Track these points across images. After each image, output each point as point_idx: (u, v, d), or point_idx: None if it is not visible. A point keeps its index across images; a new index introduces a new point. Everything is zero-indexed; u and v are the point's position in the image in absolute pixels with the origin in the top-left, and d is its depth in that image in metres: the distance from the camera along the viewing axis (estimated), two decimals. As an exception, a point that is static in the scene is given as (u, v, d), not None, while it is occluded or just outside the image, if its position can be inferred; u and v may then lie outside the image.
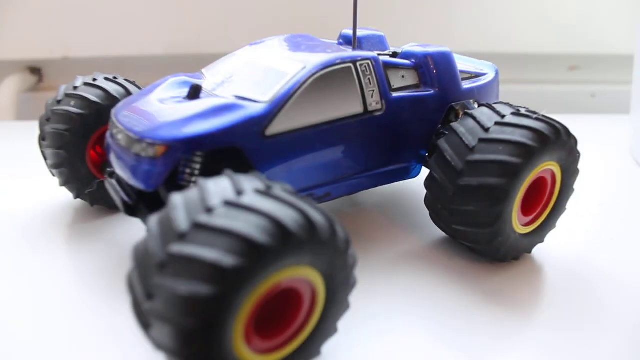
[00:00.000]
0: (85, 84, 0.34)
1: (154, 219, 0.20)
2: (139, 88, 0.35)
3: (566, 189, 0.31)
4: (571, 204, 0.33)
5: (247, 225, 0.18)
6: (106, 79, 0.35)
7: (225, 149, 0.25)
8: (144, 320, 0.19)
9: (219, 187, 0.20)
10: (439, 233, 0.34)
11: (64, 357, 0.24)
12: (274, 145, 0.26)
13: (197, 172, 0.25)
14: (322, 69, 0.27)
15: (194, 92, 0.27)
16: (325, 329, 0.22)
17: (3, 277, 0.30)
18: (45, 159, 0.35)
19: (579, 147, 0.31)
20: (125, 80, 0.35)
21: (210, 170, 0.26)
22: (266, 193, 0.19)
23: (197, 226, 0.18)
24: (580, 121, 0.59)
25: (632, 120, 0.49)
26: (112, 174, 0.30)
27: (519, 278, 0.31)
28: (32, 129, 0.53)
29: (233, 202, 0.19)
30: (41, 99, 0.65)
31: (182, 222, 0.18)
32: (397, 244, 0.33)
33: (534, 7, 0.64)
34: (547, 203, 0.31)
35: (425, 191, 0.31)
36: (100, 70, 0.68)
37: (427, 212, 0.32)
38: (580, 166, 0.31)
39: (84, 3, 0.60)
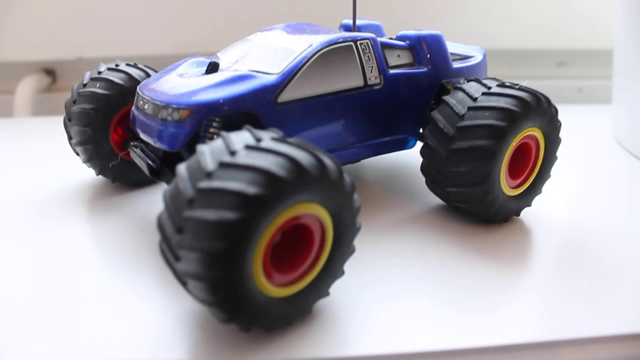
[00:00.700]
0: (109, 68, 0.37)
1: (182, 165, 0.23)
2: (155, 71, 0.38)
3: (549, 156, 0.34)
4: (560, 176, 0.35)
5: (267, 162, 0.21)
6: (127, 64, 0.38)
7: (242, 114, 0.28)
8: (173, 254, 0.22)
9: (240, 137, 0.23)
10: (434, 201, 0.37)
11: (90, 324, 0.26)
12: (284, 112, 0.29)
13: (216, 136, 0.28)
14: (326, 46, 0.30)
15: (212, 69, 0.30)
16: (333, 269, 0.25)
17: (33, 249, 0.32)
18: (70, 138, 0.38)
19: (566, 131, 0.33)
20: (145, 65, 0.39)
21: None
22: (282, 140, 0.22)
23: (223, 165, 0.21)
24: (568, 111, 0.62)
25: (614, 107, 0.53)
26: (136, 146, 0.33)
27: (510, 237, 0.33)
28: (48, 124, 0.57)
29: (254, 145, 0.22)
30: (55, 99, 0.68)
31: (209, 163, 0.21)
32: (398, 211, 0.36)
33: (523, 4, 0.67)
34: (532, 168, 0.34)
35: (419, 161, 0.34)
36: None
37: (422, 184, 0.35)
38: (566, 145, 0.34)
39: (97, 6, 0.63)
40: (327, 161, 0.22)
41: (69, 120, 0.37)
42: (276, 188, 0.20)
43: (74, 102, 0.37)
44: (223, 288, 0.21)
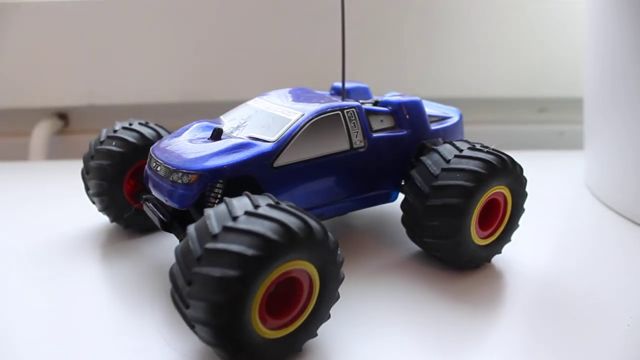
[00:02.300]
0: (124, 127, 0.42)
1: (191, 226, 0.27)
2: (167, 131, 0.42)
3: (517, 208, 0.38)
4: (529, 223, 0.39)
5: (263, 228, 0.25)
6: (140, 123, 0.43)
7: (242, 177, 0.32)
8: (184, 302, 0.26)
9: (240, 203, 0.27)
10: (413, 248, 0.40)
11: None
12: (280, 175, 0.33)
13: (219, 195, 0.33)
14: (316, 116, 0.35)
15: (217, 134, 0.34)
16: (320, 313, 0.29)
17: (47, 290, 0.35)
18: (88, 188, 0.42)
19: (541, 178, 0.37)
20: (156, 124, 0.43)
21: (229, 193, 0.33)
22: (275, 206, 0.27)
23: (226, 229, 0.25)
24: (545, 157, 0.67)
25: (585, 155, 0.57)
26: (148, 200, 0.37)
27: (482, 282, 0.37)
28: (62, 167, 0.61)
29: (252, 212, 0.26)
30: (67, 142, 0.73)
31: (214, 226, 0.26)
32: (381, 257, 0.40)
33: (505, 55, 0.72)
34: (501, 220, 0.38)
35: (401, 214, 0.38)
36: (122, 116, 0.76)
37: (403, 233, 0.39)
38: (540, 192, 0.38)
39: (108, 58, 0.68)
40: (314, 224, 0.26)
41: (87, 173, 0.41)
42: (270, 250, 0.24)
43: (92, 157, 0.41)
44: (226, 333, 0.25)
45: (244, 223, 0.25)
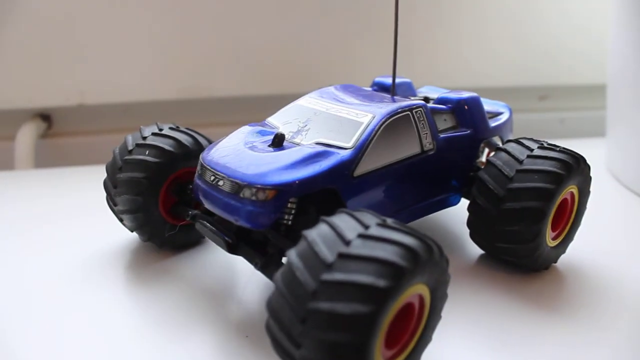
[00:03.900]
0: (154, 134, 0.37)
1: (292, 253, 0.23)
2: (201, 135, 0.38)
3: (582, 207, 0.37)
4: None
5: (387, 253, 0.22)
6: (171, 128, 0.38)
7: (322, 190, 0.29)
8: (293, 342, 0.22)
9: (346, 223, 0.24)
10: (473, 251, 0.39)
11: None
12: (359, 184, 0.30)
13: (293, 211, 0.29)
14: (389, 117, 0.32)
15: (279, 141, 0.31)
16: (427, 337, 0.26)
17: (78, 319, 0.32)
18: (115, 204, 0.37)
19: None
20: (188, 128, 0.39)
21: (304, 207, 0.30)
22: (386, 225, 0.24)
23: (342, 256, 0.22)
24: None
25: (608, 141, 0.57)
26: (197, 216, 0.33)
27: (552, 284, 0.36)
28: (52, 177, 0.55)
29: (366, 234, 0.23)
30: (52, 145, 0.66)
31: (327, 254, 0.22)
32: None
33: (506, 45, 0.72)
34: (568, 220, 0.37)
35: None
36: (110, 116, 0.70)
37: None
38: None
39: (98, 53, 0.62)
40: (431, 243, 0.24)
41: (114, 187, 0.37)
42: (400, 278, 0.22)
43: (120, 168, 0.36)
44: (348, 374, 0.22)
45: (361, 248, 0.22)
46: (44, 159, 0.64)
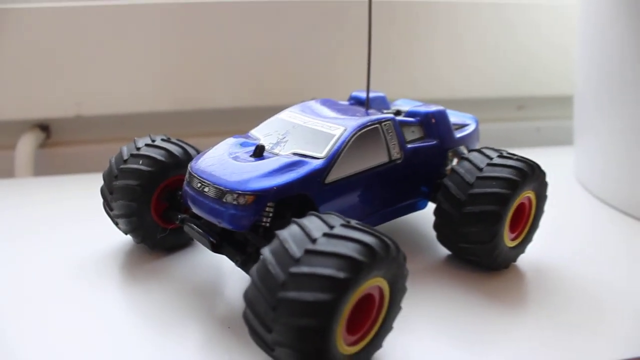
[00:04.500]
0: (147, 145, 0.41)
1: (266, 250, 0.27)
2: (192, 147, 0.42)
3: (540, 210, 0.41)
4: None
5: (347, 249, 0.25)
6: (162, 139, 0.41)
7: (295, 195, 0.32)
8: (266, 327, 0.26)
9: (313, 224, 0.27)
10: (439, 253, 0.42)
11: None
12: (331, 190, 0.33)
13: (270, 214, 0.33)
14: (359, 130, 0.35)
15: (259, 151, 0.34)
16: (387, 326, 0.30)
17: (75, 316, 0.35)
18: (111, 209, 0.41)
19: None
20: (178, 140, 0.42)
21: (280, 211, 0.33)
22: (349, 226, 0.27)
23: (309, 252, 0.25)
24: (529, 154, 0.70)
25: (576, 150, 0.60)
26: (186, 220, 0.37)
27: (511, 281, 0.39)
28: (50, 184, 0.58)
29: (330, 233, 0.26)
30: (51, 155, 0.69)
31: (295, 250, 0.26)
32: (414, 262, 0.41)
33: (486, 57, 0.76)
34: (526, 222, 0.40)
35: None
36: (107, 127, 0.73)
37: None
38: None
39: (95, 66, 0.65)
40: (388, 241, 0.27)
41: (110, 193, 0.40)
42: (358, 270, 0.25)
43: (116, 176, 0.40)
44: (313, 355, 0.25)
45: (325, 245, 0.26)
46: (42, 168, 0.67)
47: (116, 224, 0.41)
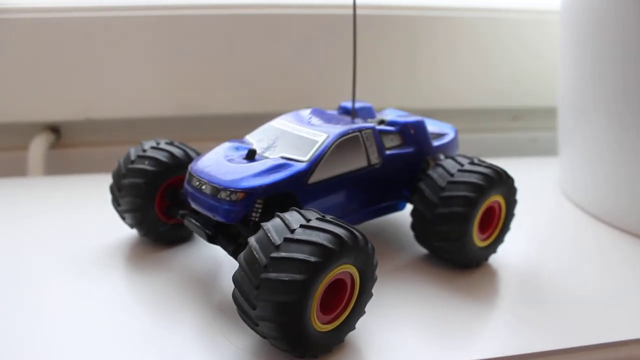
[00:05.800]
0: (152, 147, 0.45)
1: (252, 239, 0.31)
2: (191, 149, 0.46)
3: (509, 214, 0.44)
4: (515, 226, 0.46)
5: (319, 238, 0.29)
6: (166, 143, 0.46)
7: (282, 193, 0.36)
8: (250, 304, 0.30)
9: (293, 217, 0.31)
10: (418, 251, 0.46)
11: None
12: (313, 190, 0.37)
13: (260, 210, 0.37)
14: (340, 137, 0.39)
15: (251, 154, 0.39)
16: (359, 309, 0.33)
17: (82, 305, 0.38)
18: (119, 205, 0.45)
19: (519, 185, 0.44)
20: (180, 143, 0.46)
21: (269, 207, 0.37)
22: (324, 219, 0.31)
23: (287, 240, 0.30)
24: (521, 164, 0.73)
25: (560, 161, 0.63)
26: (186, 215, 0.41)
27: (482, 278, 0.43)
28: (61, 183, 0.62)
29: (306, 225, 0.30)
30: (61, 155, 0.74)
31: (276, 238, 0.30)
32: (393, 259, 0.45)
33: (482, 69, 0.78)
34: (497, 224, 0.44)
35: (403, 222, 0.43)
36: (115, 130, 0.77)
37: (408, 237, 0.44)
38: (518, 198, 0.45)
39: (104, 73, 0.69)
40: (357, 233, 0.31)
41: (119, 190, 0.44)
42: (328, 256, 0.29)
43: (124, 175, 0.44)
44: (290, 328, 0.29)
45: (301, 235, 0.30)
46: (53, 168, 0.71)
47: (123, 218, 0.46)
